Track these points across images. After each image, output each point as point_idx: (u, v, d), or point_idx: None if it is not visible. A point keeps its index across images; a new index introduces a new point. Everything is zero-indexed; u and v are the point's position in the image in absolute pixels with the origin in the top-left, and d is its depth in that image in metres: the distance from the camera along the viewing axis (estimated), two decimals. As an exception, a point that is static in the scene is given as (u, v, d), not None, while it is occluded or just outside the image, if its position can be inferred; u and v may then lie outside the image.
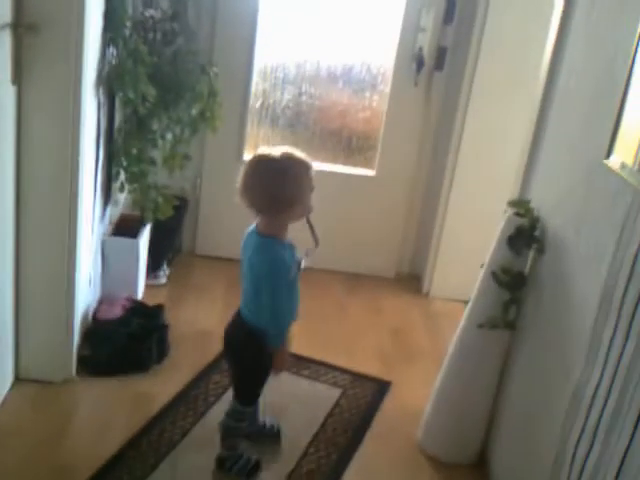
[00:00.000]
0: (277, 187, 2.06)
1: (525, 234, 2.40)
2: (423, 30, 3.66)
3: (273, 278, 2.13)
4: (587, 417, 1.83)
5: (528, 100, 3.29)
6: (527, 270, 2.47)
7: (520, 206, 2.48)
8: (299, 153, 2.13)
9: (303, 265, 2.21)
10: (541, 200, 2.48)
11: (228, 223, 3.43)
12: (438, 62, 3.71)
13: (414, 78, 3.73)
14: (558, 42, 2.54)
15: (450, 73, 3.74)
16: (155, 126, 2.86)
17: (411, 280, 4.15)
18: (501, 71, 3.52)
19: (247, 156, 3.86)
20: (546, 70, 2.59)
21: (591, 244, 2.01)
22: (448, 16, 3.65)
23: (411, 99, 3.80)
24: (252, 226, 2.20)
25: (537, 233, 2.40)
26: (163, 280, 3.63)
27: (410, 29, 3.68)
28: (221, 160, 3.80)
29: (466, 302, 2.62)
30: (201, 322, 3.32)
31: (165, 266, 3.66)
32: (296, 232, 2.24)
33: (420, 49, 3.68)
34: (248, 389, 2.35)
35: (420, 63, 3.69)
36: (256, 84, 3.78)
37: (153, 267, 3.58)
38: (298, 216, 2.16)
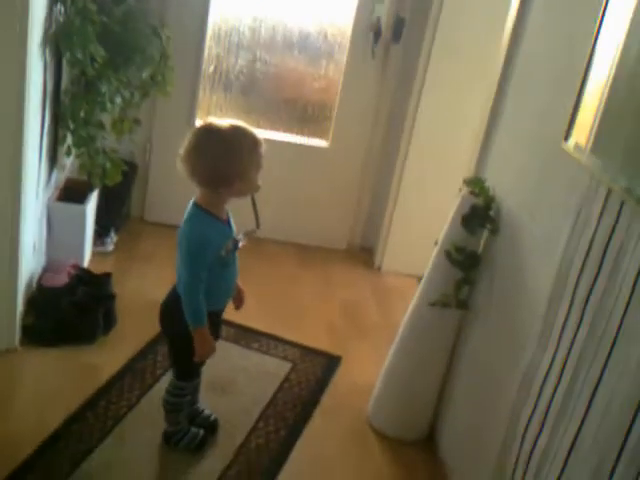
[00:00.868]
0: (217, 159, 1.96)
1: (479, 213, 2.39)
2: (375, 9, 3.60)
3: (191, 253, 2.04)
4: (538, 399, 1.84)
5: (487, 76, 3.29)
6: (481, 250, 2.47)
7: (475, 185, 2.47)
8: (249, 127, 2.04)
9: (240, 245, 2.15)
10: (496, 180, 2.47)
11: (178, 190, 3.30)
12: (395, 33, 3.65)
13: (371, 49, 3.68)
14: (519, 17, 2.50)
15: (408, 45, 3.69)
16: (104, 89, 2.74)
17: (363, 253, 4.14)
18: (460, 44, 3.49)
19: (198, 122, 3.77)
20: (506, 45, 2.56)
21: (546, 227, 2.00)
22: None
23: (367, 70, 3.74)
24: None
25: (492, 213, 2.39)
26: (110, 247, 3.54)
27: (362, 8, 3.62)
28: (172, 125, 3.70)
29: (420, 278, 2.61)
30: (149, 292, 3.24)
31: (112, 233, 3.56)
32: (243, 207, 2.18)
33: (378, 19, 3.62)
34: (180, 363, 2.26)
35: (377, 34, 3.63)
36: (209, 48, 3.67)
37: (100, 234, 3.48)
38: (239, 193, 2.06)
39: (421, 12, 3.58)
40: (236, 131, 2.00)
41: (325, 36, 3.71)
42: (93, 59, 2.63)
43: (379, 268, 3.99)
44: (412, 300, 2.62)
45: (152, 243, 3.76)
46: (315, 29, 3.70)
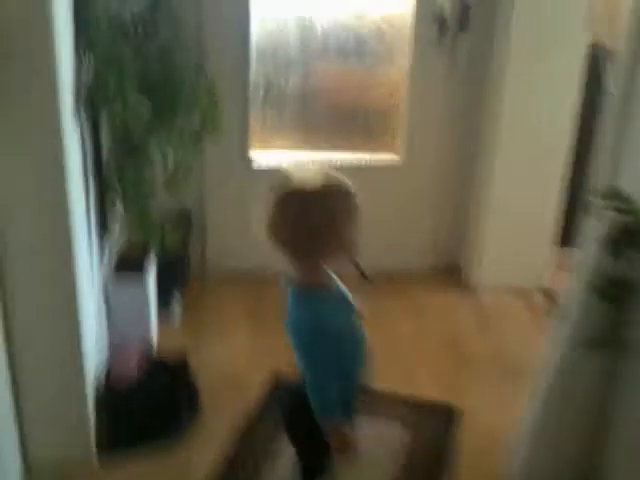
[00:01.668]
0: (314, 226, 1.60)
1: (633, 235, 1.94)
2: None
3: (311, 349, 1.66)
4: None
5: (578, 56, 2.89)
6: (633, 276, 2.01)
7: (616, 198, 2.02)
8: (337, 177, 1.67)
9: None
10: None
11: (240, 234, 2.97)
12: (462, 22, 3.18)
13: (436, 44, 3.22)
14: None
15: (478, 34, 3.22)
16: (153, 146, 2.35)
17: (451, 272, 3.68)
18: (544, 22, 3.01)
19: (253, 154, 3.36)
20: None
21: None
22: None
23: (434, 67, 3.29)
24: None
25: (647, 233, 1.94)
26: (177, 316, 3.14)
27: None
28: (224, 163, 3.29)
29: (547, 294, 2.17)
30: (230, 365, 2.83)
31: (177, 298, 3.16)
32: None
33: (440, 9, 3.16)
34: (304, 461, 1.91)
35: (442, 26, 3.18)
36: (256, 71, 3.24)
37: (163, 302, 3.06)
38: (341, 258, 1.70)
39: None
40: (327, 187, 1.63)
41: (382, 37, 3.26)
42: (135, 111, 2.23)
43: (473, 286, 3.54)
44: (550, 341, 2.20)
45: (222, 302, 3.32)
46: (370, 31, 3.24)
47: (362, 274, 1.85)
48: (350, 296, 1.78)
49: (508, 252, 3.38)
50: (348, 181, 1.67)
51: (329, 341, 1.65)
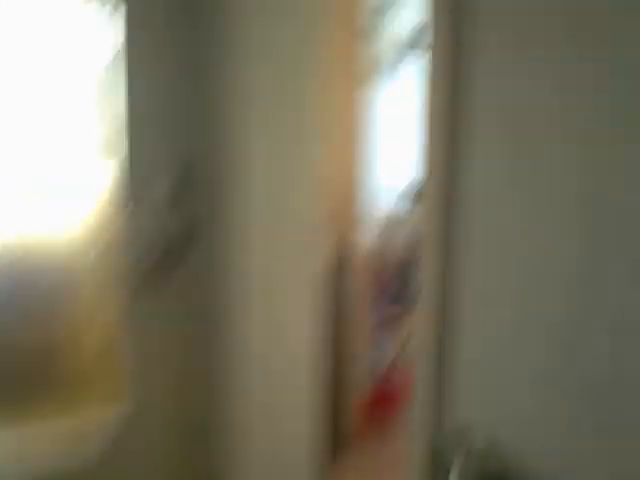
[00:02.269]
0: None
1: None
2: (144, 216, 2.67)
3: None
4: None
5: (316, 260, 2.53)
6: None
7: (461, 443, 1.58)
8: None
9: None
10: (490, 416, 1.60)
11: None
12: (173, 256, 2.73)
13: (144, 283, 2.69)
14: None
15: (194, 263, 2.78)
16: None
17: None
18: (274, 237, 2.66)
19: None
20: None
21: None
22: (177, 195, 2.72)
23: (148, 309, 2.73)
24: None
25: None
26: None
27: (125, 218, 2.66)
28: None
29: None
30: None
31: None
32: None
33: (148, 241, 2.68)
34: None
35: (152, 259, 2.68)
36: None
37: None
38: None
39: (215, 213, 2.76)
40: None
41: (80, 272, 2.63)
42: None
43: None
44: None
45: None
46: (60, 260, 2.58)
47: None
48: None
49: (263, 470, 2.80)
50: None
51: None
